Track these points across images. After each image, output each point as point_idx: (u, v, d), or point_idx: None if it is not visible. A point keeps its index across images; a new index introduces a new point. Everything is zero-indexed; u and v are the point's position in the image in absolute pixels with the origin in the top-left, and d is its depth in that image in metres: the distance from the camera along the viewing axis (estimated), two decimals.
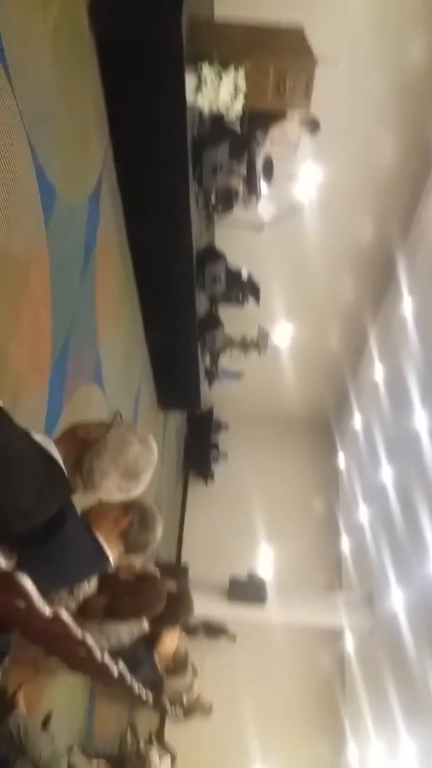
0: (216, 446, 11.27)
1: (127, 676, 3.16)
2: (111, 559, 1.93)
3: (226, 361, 8.82)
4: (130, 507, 2.04)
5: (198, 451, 11.19)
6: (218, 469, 11.55)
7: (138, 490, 1.67)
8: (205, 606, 9.34)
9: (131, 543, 2.02)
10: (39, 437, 1.59)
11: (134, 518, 2.01)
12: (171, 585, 2.82)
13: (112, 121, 4.74)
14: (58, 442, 1.61)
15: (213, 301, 7.40)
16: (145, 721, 7.80)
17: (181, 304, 6.83)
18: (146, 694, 3.94)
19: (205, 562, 9.60)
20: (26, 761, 2.51)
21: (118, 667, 2.91)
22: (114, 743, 5.83)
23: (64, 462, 1.56)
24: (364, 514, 10.55)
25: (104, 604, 2.36)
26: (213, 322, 7.45)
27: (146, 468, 1.65)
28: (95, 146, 4.64)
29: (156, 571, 2.84)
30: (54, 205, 3.85)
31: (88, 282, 5.00)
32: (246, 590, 9.20)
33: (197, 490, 11.73)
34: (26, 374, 3.90)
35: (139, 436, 1.67)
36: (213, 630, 6.97)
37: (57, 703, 3.83)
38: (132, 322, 6.61)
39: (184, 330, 7.18)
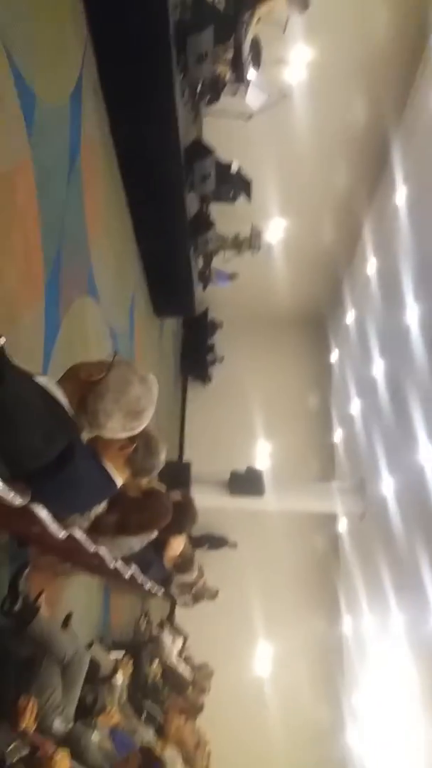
0: (212, 348, 11.36)
1: (139, 577, 3.40)
2: (118, 484, 2.03)
3: (219, 262, 8.68)
4: (134, 434, 2.11)
5: (195, 355, 11.29)
6: (215, 371, 11.70)
7: (141, 427, 1.73)
8: (207, 500, 9.83)
9: (137, 468, 2.12)
10: (42, 379, 1.62)
11: (139, 444, 2.10)
12: (176, 495, 2.97)
13: (89, 11, 4.38)
14: (61, 384, 1.64)
15: (204, 201, 7.17)
16: (157, 608, 8.40)
17: (170, 205, 6.63)
18: (157, 589, 4.25)
19: (206, 459, 9.96)
20: (52, 661, 2.76)
21: (130, 571, 3.14)
22: (129, 631, 6.34)
23: (69, 403, 1.60)
24: (355, 406, 10.82)
25: (115, 521, 2.51)
26: (204, 222, 7.27)
27: (148, 406, 1.70)
28: (73, 40, 4.32)
29: (162, 487, 2.98)
30: (35, 112, 3.65)
31: (75, 188, 4.82)
32: (245, 484, 9.60)
33: (196, 393, 11.95)
34: (21, 293, 3.86)
35: (139, 375, 1.70)
36: (215, 541, 7.36)
37: (75, 602, 4.13)
38: (123, 228, 6.43)
39: (176, 233, 7.01)
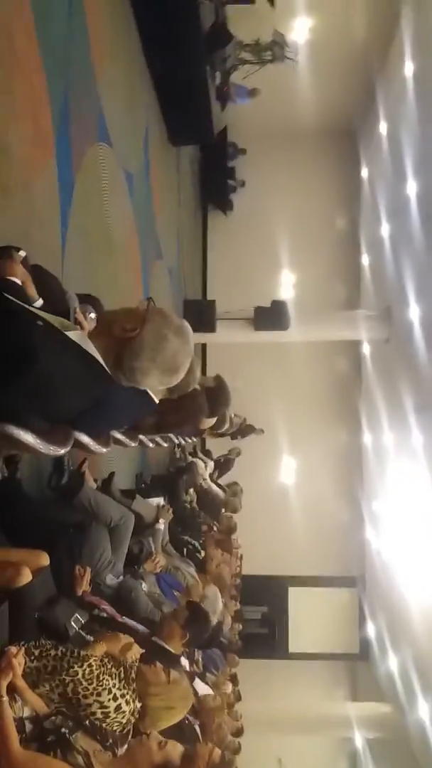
0: (232, 173, 10.68)
1: (174, 440, 3.65)
2: (156, 401, 2.10)
3: (238, 78, 7.85)
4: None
5: (214, 182, 10.66)
6: (236, 198, 11.10)
7: (178, 380, 1.73)
8: (232, 336, 9.99)
9: (174, 386, 2.17)
10: (75, 336, 1.60)
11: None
12: (209, 381, 3.05)
13: None
14: (95, 339, 1.63)
15: (219, 9, 6.31)
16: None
17: (182, 16, 5.88)
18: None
19: (230, 295, 9.92)
20: (100, 526, 3.08)
21: (166, 441, 3.37)
22: (165, 460, 6.88)
23: (104, 361, 1.60)
24: (385, 229, 10.40)
25: (153, 422, 2.63)
26: (221, 35, 6.46)
27: (184, 361, 1.68)
28: None
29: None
30: None
31: (77, 17, 4.30)
32: (270, 318, 9.63)
33: (217, 224, 11.50)
34: (31, 155, 3.64)
35: (174, 326, 1.66)
36: (242, 431, 7.65)
37: (116, 460, 4.47)
38: (131, 51, 5.80)
39: (189, 48, 6.29)
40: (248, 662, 8.21)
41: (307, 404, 11.36)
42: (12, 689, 2.08)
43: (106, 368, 1.60)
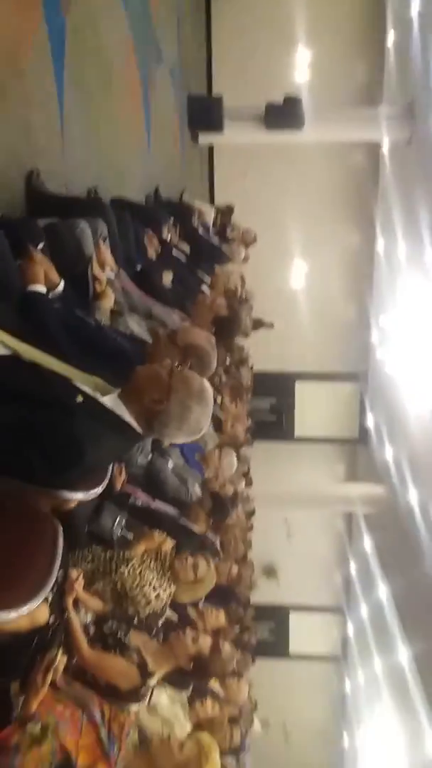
0: None
1: None
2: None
3: None
4: (188, 353, 2.24)
5: None
6: None
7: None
8: (242, 136, 9.30)
9: None
10: (110, 402, 1.75)
11: (192, 362, 2.24)
12: (222, 309, 3.10)
13: None
14: (128, 404, 1.77)
15: None
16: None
17: None
18: None
19: (238, 90, 9.01)
20: None
21: None
22: None
23: (137, 422, 1.78)
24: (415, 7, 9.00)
25: None
26: None
27: (206, 422, 1.86)
28: None
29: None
30: None
31: None
32: (283, 116, 8.89)
33: (222, 6, 9.87)
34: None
35: (196, 395, 1.79)
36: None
37: None
38: None
39: None
40: (258, 446, 9.25)
41: (321, 206, 10.99)
42: (75, 602, 2.60)
43: (139, 431, 1.80)
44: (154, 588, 2.90)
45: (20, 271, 2.14)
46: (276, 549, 12.18)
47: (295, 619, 13.07)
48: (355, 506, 11.14)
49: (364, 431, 12.33)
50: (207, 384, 1.86)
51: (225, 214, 8.13)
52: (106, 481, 1.91)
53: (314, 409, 12.70)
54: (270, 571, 12.39)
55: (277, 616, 12.78)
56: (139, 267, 3.61)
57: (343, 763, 13.21)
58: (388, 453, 10.80)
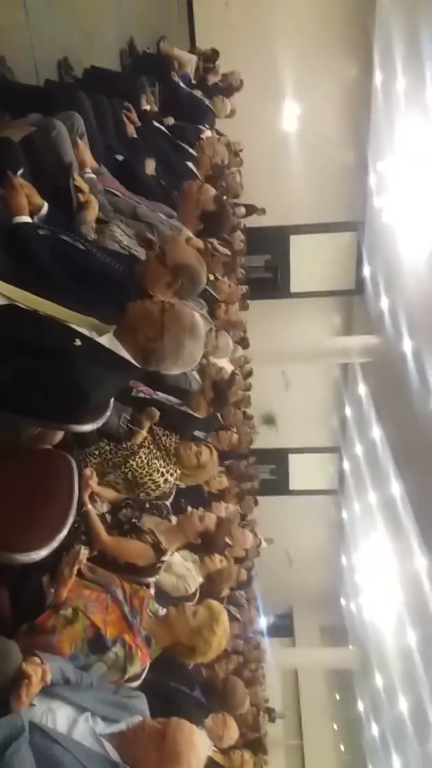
0: None
1: None
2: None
3: None
4: (178, 271, 2.25)
5: None
6: None
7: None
8: None
9: (183, 296, 2.34)
10: (107, 341, 1.83)
11: (183, 280, 2.26)
12: (209, 203, 3.02)
13: None
14: (124, 342, 1.85)
15: None
16: None
17: None
18: None
19: None
20: None
21: None
22: None
23: (134, 359, 1.87)
24: None
25: None
26: None
27: (200, 354, 1.93)
28: None
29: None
30: None
31: None
32: None
33: None
34: None
35: (188, 331, 1.86)
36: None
37: None
38: None
39: None
40: (254, 305, 9.40)
41: (314, 38, 10.10)
42: (91, 496, 2.89)
43: (136, 365, 1.90)
44: (161, 474, 3.18)
45: (4, 203, 2.12)
46: (274, 399, 12.72)
47: (294, 460, 13.98)
48: (352, 357, 11.46)
49: (360, 282, 12.30)
50: (198, 318, 1.94)
51: (208, 59, 7.50)
52: (111, 408, 2.06)
53: (310, 262, 12.56)
54: (269, 420, 13.05)
55: (277, 459, 13.65)
56: (120, 157, 3.48)
57: (342, 579, 14.86)
58: (384, 303, 10.88)
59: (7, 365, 1.69)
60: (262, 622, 12.22)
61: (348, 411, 13.15)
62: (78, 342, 1.79)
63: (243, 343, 8.79)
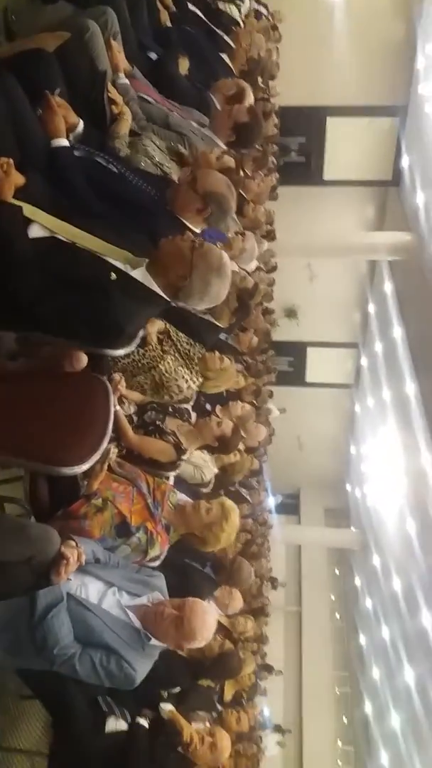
0: None
1: None
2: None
3: None
4: (207, 200, 2.30)
5: None
6: None
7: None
8: None
9: (213, 224, 2.41)
10: (140, 275, 1.95)
11: (213, 208, 2.31)
12: (242, 114, 2.96)
13: None
14: (156, 278, 1.98)
15: None
16: None
17: None
18: None
19: None
20: None
21: None
22: None
23: (165, 293, 2.01)
24: None
25: None
26: None
27: (225, 292, 2.04)
28: None
29: None
30: None
31: None
32: None
33: None
34: None
35: (216, 270, 1.96)
36: None
37: None
38: None
39: None
40: (283, 192, 9.22)
41: None
42: (120, 398, 3.14)
43: (167, 299, 2.04)
44: (186, 380, 3.41)
45: (42, 124, 2.17)
46: (298, 291, 12.67)
47: (312, 353, 14.19)
48: (381, 254, 11.27)
49: (397, 173, 11.78)
50: (225, 258, 2.06)
51: None
52: (143, 332, 2.23)
53: (346, 148, 11.98)
54: (291, 313, 13.10)
55: (295, 351, 13.86)
56: (153, 55, 3.37)
57: (349, 467, 15.57)
58: (420, 199, 10.52)
59: (48, 297, 1.85)
60: (271, 502, 12.99)
61: (371, 308, 13.12)
62: (114, 276, 1.94)
63: (269, 236, 8.70)
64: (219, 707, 4.48)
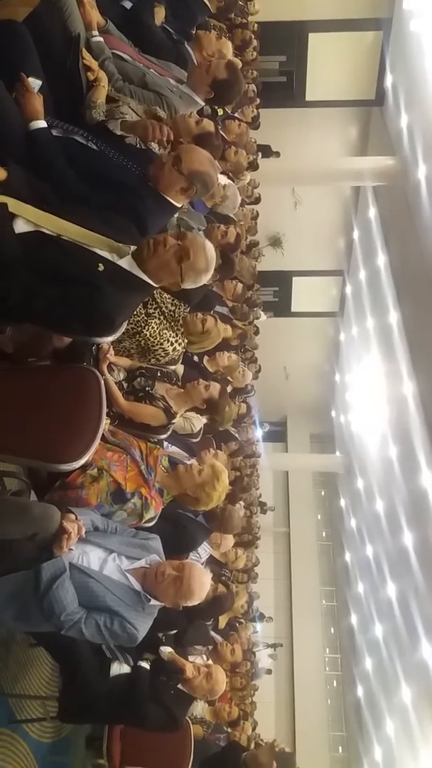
0: None
1: None
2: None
3: None
4: (192, 178, 2.26)
5: None
6: None
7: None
8: None
9: (196, 199, 2.38)
10: (126, 264, 1.96)
11: (198, 186, 2.28)
12: (221, 70, 2.84)
13: None
14: (141, 264, 2.01)
15: None
16: None
17: None
18: None
19: None
20: None
21: None
22: None
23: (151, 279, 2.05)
24: None
25: None
26: None
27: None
28: None
29: None
30: None
31: None
32: None
33: None
34: None
35: (205, 269, 2.05)
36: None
37: None
38: None
39: None
40: (265, 114, 8.92)
41: None
42: (109, 366, 3.20)
43: (154, 285, 2.07)
44: (171, 343, 3.46)
45: (18, 107, 2.11)
46: (282, 219, 12.46)
47: (297, 283, 14.12)
48: (365, 180, 11.03)
49: (381, 92, 11.34)
50: (212, 253, 2.09)
51: None
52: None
53: (329, 66, 11.44)
54: (275, 241, 12.93)
55: (280, 281, 13.78)
56: (128, 4, 3.19)
57: (334, 394, 15.86)
58: (404, 121, 10.20)
59: (38, 294, 1.88)
60: (259, 432, 13.30)
61: (356, 235, 12.99)
62: (101, 267, 1.96)
63: (252, 166, 8.47)
64: (215, 637, 4.82)
